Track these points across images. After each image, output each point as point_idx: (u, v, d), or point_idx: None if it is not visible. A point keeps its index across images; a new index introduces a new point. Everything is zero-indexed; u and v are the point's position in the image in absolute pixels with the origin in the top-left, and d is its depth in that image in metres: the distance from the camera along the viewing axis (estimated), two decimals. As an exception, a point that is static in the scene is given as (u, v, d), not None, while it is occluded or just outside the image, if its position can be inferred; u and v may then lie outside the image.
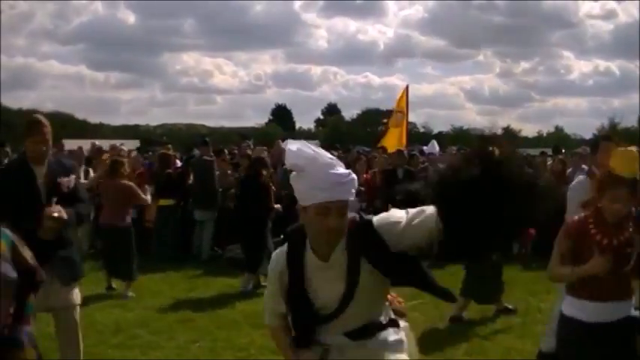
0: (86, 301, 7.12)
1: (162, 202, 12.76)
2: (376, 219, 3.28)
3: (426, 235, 3.05)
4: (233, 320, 8.57)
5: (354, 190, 3.18)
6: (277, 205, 11.06)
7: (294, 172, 3.20)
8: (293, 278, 3.32)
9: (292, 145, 3.14)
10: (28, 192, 5.21)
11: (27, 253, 2.99)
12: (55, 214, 5.00)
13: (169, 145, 17.41)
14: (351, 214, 3.26)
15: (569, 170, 12.75)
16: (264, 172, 10.65)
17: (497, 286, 8.75)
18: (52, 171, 5.39)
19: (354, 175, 3.21)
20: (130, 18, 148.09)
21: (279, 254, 3.40)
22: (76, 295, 5.58)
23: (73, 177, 5.51)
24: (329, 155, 3.16)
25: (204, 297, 9.91)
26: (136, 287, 10.08)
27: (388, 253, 3.16)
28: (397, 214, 3.21)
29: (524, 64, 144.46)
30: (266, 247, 10.11)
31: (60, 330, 5.59)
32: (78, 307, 5.62)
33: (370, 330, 3.38)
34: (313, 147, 3.17)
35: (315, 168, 3.10)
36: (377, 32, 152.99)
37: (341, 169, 3.15)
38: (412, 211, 3.14)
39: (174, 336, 7.90)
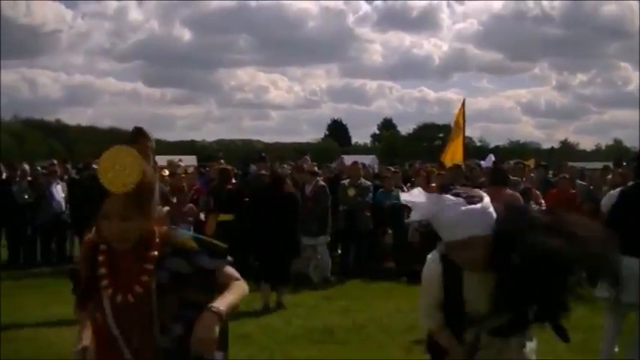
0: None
1: (223, 217, 12.81)
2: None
3: None
4: (291, 335, 8.57)
5: (491, 222, 3.25)
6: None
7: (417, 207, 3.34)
8: (450, 291, 3.49)
9: (417, 197, 3.31)
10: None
11: (208, 240, 3.04)
12: None
13: (222, 160, 17.53)
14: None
15: (629, 184, 12.48)
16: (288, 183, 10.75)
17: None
18: None
19: (490, 209, 3.28)
20: (185, 34, 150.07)
21: (433, 269, 3.56)
22: None
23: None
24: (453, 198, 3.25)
25: (262, 312, 9.93)
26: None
27: None
28: None
29: (581, 76, 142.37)
30: (287, 260, 10.33)
31: None
32: None
33: (513, 329, 3.51)
34: (431, 195, 3.31)
35: (444, 209, 3.23)
36: (432, 46, 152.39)
37: (473, 206, 3.23)
38: None
39: (231, 352, 7.87)
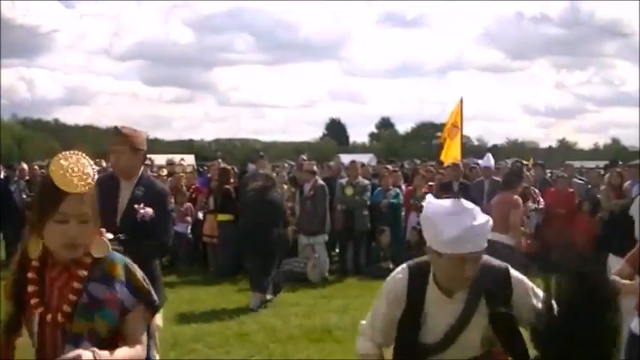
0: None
1: (221, 217, 12.83)
2: (513, 271, 3.30)
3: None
4: (289, 334, 8.58)
5: (489, 235, 3.15)
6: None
7: (427, 215, 3.17)
8: (410, 308, 3.27)
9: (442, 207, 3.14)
10: (106, 207, 5.08)
11: (140, 274, 2.92)
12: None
13: (219, 160, 17.55)
14: (485, 257, 3.24)
15: (626, 183, 12.52)
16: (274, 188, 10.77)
17: None
18: (135, 195, 5.09)
19: (490, 221, 3.17)
20: (184, 34, 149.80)
21: (397, 283, 3.33)
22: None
23: (150, 210, 4.96)
24: (470, 204, 3.15)
25: (261, 311, 9.93)
26: (192, 301, 10.16)
27: (508, 308, 3.19)
28: (533, 285, 3.28)
29: (579, 75, 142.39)
30: (271, 266, 10.33)
31: None
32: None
33: None
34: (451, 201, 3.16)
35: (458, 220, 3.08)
36: (430, 45, 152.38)
37: (480, 218, 3.12)
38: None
39: (230, 350, 7.93)
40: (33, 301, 2.74)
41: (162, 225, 5.12)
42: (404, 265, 3.37)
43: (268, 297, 10.25)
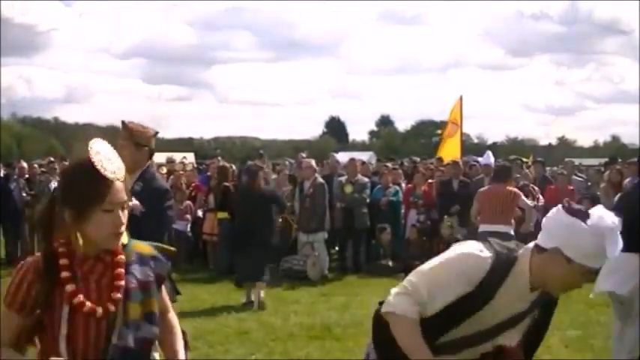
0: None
1: (220, 214, 12.83)
2: None
3: None
4: (289, 332, 8.57)
5: (493, 227, 3.20)
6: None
7: (600, 225, 3.01)
8: (479, 293, 3.11)
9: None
10: None
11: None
12: None
13: (219, 158, 17.57)
14: None
15: (626, 180, 12.51)
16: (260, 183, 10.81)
17: None
18: (132, 189, 5.05)
19: None
20: (184, 32, 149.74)
21: (480, 264, 3.13)
22: None
23: (137, 204, 4.94)
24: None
25: (260, 309, 9.92)
26: (192, 299, 10.15)
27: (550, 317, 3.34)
28: None
29: (579, 73, 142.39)
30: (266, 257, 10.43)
31: None
32: None
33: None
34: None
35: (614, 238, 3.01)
36: (430, 43, 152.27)
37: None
38: None
39: (230, 348, 7.92)
40: (76, 300, 2.60)
41: (156, 220, 5.15)
42: (491, 248, 3.18)
43: (253, 297, 10.22)
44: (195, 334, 8.44)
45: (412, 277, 3.23)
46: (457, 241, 3.40)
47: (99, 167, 2.57)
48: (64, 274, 2.62)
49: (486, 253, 3.13)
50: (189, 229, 13.95)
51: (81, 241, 2.63)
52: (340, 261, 13.81)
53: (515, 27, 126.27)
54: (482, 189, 10.28)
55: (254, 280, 10.16)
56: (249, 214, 10.35)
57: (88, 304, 2.61)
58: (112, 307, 2.64)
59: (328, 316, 9.43)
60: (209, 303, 10.31)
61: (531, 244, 3.16)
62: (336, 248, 14.31)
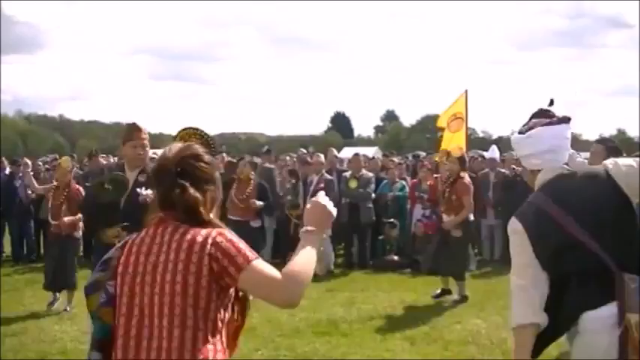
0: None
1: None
2: None
3: None
4: (295, 328, 8.56)
5: None
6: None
7: None
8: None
9: None
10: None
11: None
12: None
13: (224, 154, 17.53)
14: None
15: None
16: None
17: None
18: (138, 180, 5.50)
19: None
20: (189, 29, 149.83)
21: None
22: None
23: (150, 192, 5.09)
24: None
25: (266, 305, 9.88)
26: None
27: None
28: None
29: (584, 66, 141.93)
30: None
31: None
32: None
33: None
34: None
35: None
36: (434, 37, 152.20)
37: None
38: None
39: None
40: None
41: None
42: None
43: None
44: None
45: None
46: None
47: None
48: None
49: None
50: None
51: None
52: (346, 256, 13.78)
53: (521, 21, 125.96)
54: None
55: None
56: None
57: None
58: None
59: (334, 311, 9.42)
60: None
61: None
62: (342, 244, 14.27)
